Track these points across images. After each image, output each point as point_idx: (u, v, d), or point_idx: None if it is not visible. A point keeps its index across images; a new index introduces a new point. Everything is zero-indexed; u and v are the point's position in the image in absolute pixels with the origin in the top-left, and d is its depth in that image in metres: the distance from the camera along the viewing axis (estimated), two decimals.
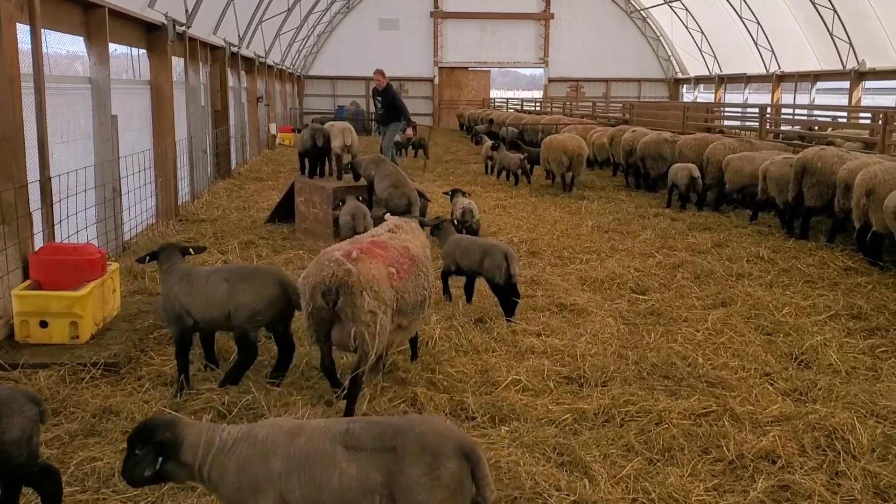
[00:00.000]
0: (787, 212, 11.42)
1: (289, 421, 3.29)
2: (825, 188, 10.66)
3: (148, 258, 5.60)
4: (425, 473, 2.97)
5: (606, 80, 43.22)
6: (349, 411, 4.89)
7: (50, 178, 7.46)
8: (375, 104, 15.83)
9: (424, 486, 2.96)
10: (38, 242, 7.01)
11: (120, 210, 9.74)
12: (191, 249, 5.80)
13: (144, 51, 12.28)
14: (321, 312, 4.96)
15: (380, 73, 15.34)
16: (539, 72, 44.43)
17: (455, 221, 9.47)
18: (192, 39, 14.25)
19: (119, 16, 10.24)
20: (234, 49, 19.51)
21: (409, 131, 16.67)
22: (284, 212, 11.82)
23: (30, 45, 7.30)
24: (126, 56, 12.31)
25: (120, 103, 10.36)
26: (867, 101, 27.27)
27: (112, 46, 9.90)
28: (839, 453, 4.55)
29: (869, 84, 27.55)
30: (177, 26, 12.58)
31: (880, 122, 12.97)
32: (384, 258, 5.21)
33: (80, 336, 6.16)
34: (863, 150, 13.22)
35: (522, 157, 16.82)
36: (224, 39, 18.05)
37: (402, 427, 3.09)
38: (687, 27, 38.17)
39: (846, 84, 27.98)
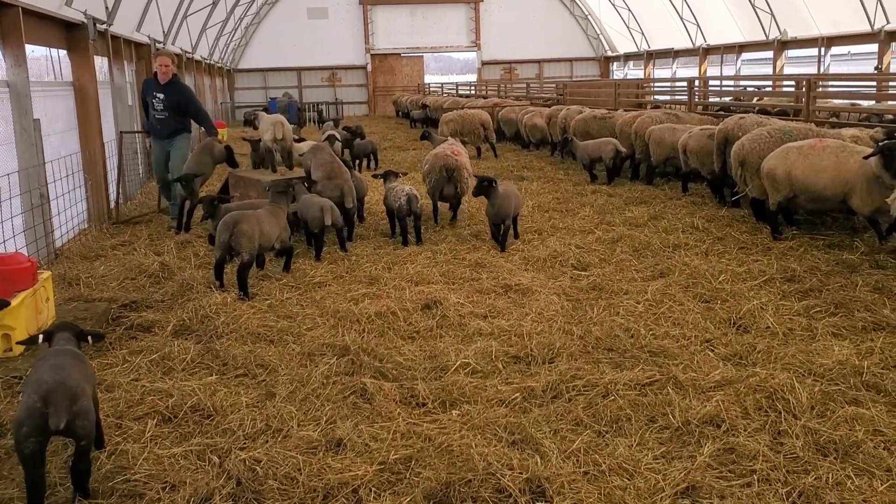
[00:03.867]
0: (716, 182, 11.67)
1: None
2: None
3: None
4: None
5: (538, 62, 43.59)
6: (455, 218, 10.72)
7: None
8: (148, 105, 10.95)
9: None
10: None
11: (49, 216, 9.43)
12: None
13: (65, 51, 11.90)
14: (441, 181, 10.04)
15: (166, 56, 10.90)
16: (472, 55, 44.56)
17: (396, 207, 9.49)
18: (114, 37, 13.86)
19: (34, 15, 9.88)
20: (160, 45, 19.04)
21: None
22: None
23: None
24: (45, 57, 11.92)
25: (42, 106, 10.02)
26: (790, 69, 28.02)
27: (29, 48, 9.55)
28: (780, 413, 4.69)
29: (791, 53, 28.31)
30: (97, 24, 12.21)
31: (804, 89, 13.30)
32: (464, 155, 10.51)
33: (13, 349, 5.95)
34: (788, 118, 13.57)
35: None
36: (149, 36, 17.60)
37: None
38: (614, 5, 38.68)
39: (770, 54, 28.71)
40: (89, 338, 4.56)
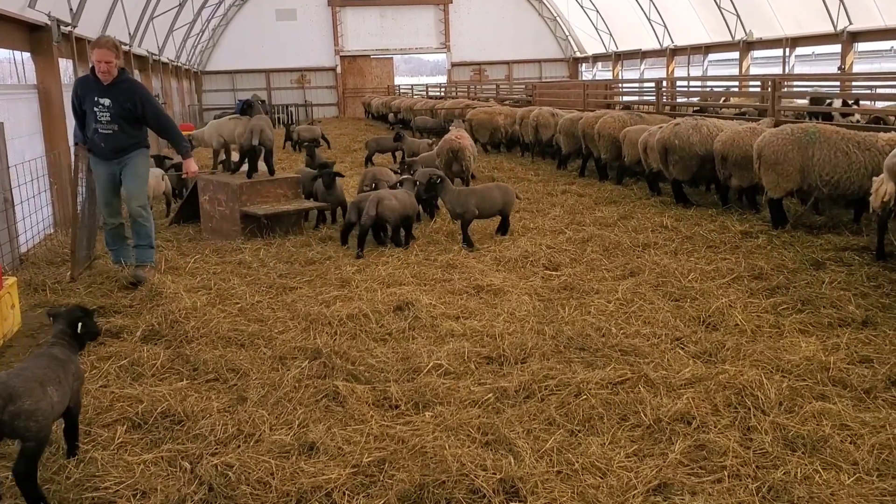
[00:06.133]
0: (674, 185, 11.82)
1: None
2: (689, 161, 11.13)
3: None
4: None
5: (508, 63, 43.73)
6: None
7: None
8: (86, 115, 8.09)
9: None
10: None
11: (13, 222, 9.28)
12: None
13: (28, 53, 11.72)
14: (449, 160, 12.60)
15: (106, 49, 7.79)
16: (442, 57, 44.59)
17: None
18: (79, 39, 13.68)
19: None
20: (126, 47, 18.83)
21: (192, 165, 8.70)
22: (189, 212, 11.51)
23: None
24: (9, 60, 11.74)
25: (5, 110, 9.88)
26: (756, 70, 28.37)
27: None
28: (749, 409, 4.74)
29: (757, 54, 28.67)
30: (61, 26, 12.04)
31: (769, 89, 13.48)
32: (468, 139, 13.24)
33: None
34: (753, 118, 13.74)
35: (430, 142, 16.89)
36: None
37: None
38: (582, 6, 38.91)
39: (736, 55, 29.06)
40: (79, 325, 4.41)
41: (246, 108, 10.86)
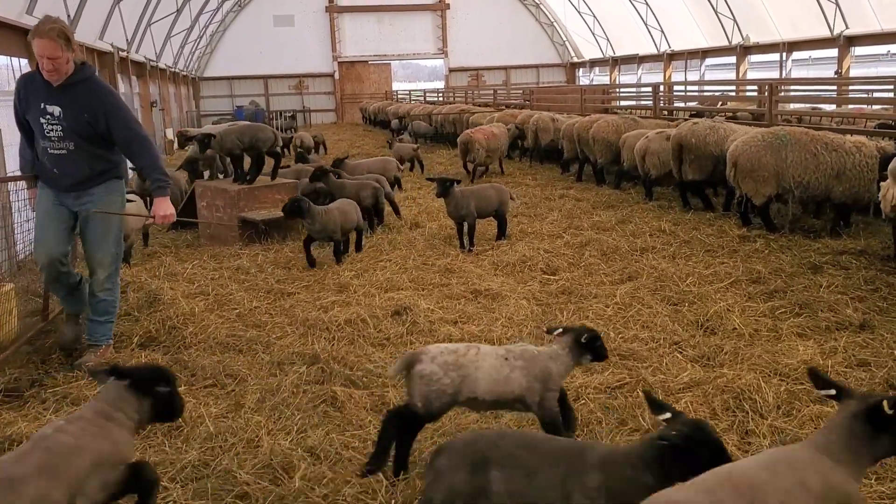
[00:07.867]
0: (681, 186, 11.82)
1: None
2: (704, 161, 11.13)
3: None
4: None
5: (505, 68, 43.84)
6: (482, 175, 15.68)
7: None
8: (26, 122, 5.74)
9: None
10: None
11: (11, 228, 9.27)
12: None
13: (26, 60, 11.72)
14: (464, 151, 15.72)
15: (48, 38, 5.25)
16: (439, 62, 44.65)
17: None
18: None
19: None
20: (123, 53, 18.87)
21: (164, 207, 5.92)
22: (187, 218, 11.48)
23: None
24: (6, 66, 11.75)
25: (3, 116, 9.87)
26: (753, 74, 28.44)
27: None
28: (748, 413, 4.74)
29: (754, 58, 28.74)
30: None
31: (766, 93, 13.51)
32: (482, 133, 15.82)
33: None
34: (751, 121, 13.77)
35: (415, 147, 17.34)
36: (112, 44, 17.43)
37: None
38: (579, 11, 39.01)
39: (733, 59, 29.14)
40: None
41: (206, 141, 10.37)
